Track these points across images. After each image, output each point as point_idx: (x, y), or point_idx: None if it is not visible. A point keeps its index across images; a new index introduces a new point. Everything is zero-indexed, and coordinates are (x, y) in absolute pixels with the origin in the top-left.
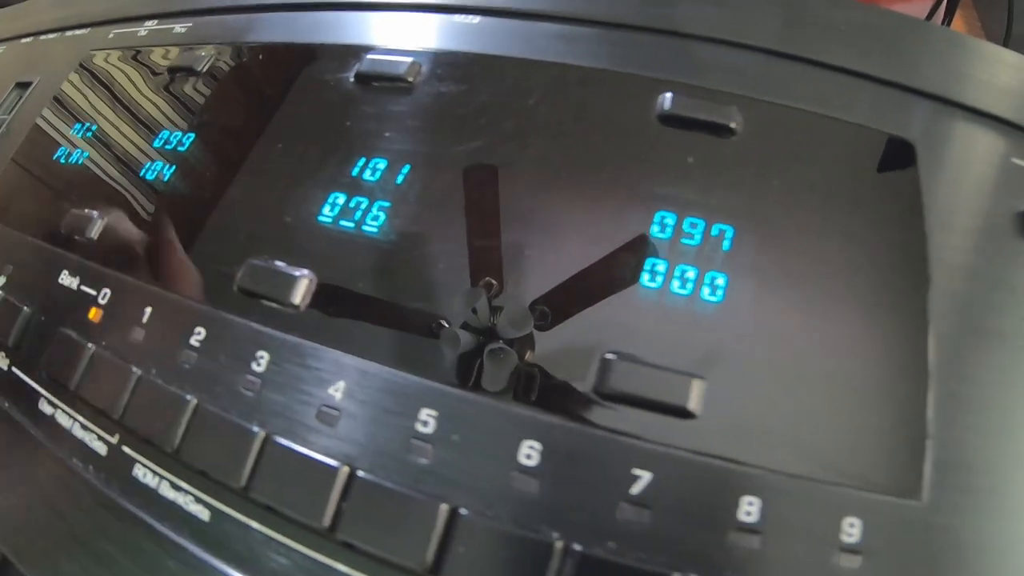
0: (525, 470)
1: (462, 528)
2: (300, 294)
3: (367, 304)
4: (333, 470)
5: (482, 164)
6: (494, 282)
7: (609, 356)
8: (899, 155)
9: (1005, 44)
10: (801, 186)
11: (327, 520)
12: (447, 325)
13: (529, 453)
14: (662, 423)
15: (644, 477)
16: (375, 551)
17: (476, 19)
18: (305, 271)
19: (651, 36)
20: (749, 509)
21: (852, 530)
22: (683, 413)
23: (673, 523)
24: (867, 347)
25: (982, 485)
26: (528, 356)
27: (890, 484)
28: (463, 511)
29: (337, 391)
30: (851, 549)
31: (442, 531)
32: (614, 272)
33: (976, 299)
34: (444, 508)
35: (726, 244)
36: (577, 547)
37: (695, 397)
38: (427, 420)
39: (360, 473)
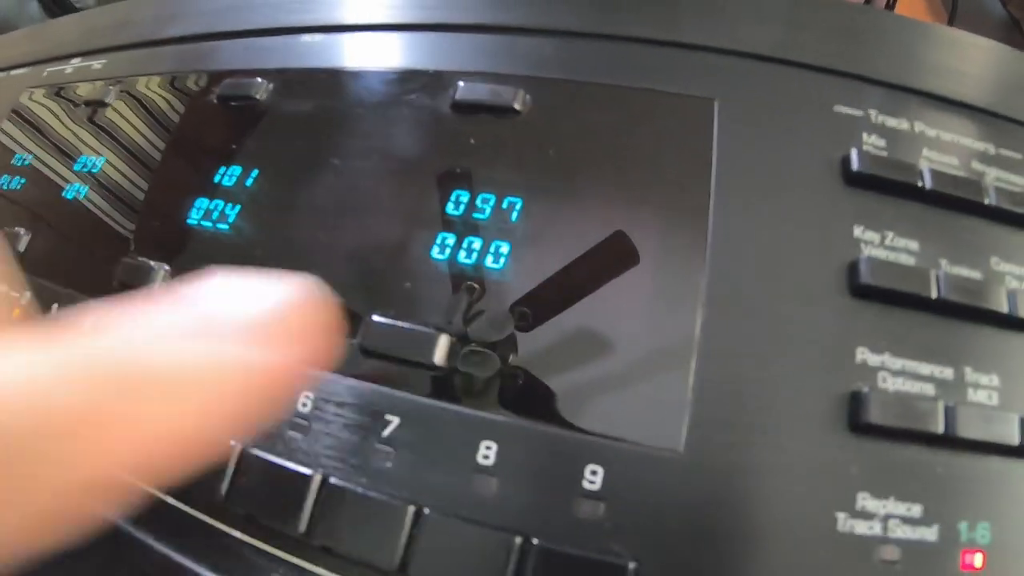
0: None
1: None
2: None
3: None
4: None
5: (315, 163)
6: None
7: (374, 318)
8: (696, 115)
9: (951, 23)
10: (587, 156)
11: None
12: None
13: (305, 402)
14: (413, 374)
15: (393, 421)
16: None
17: (314, 37)
18: (165, 265)
19: (459, 33)
20: (487, 452)
21: (594, 477)
22: (430, 366)
23: (416, 463)
24: (637, 304)
25: (739, 441)
26: None
27: (646, 435)
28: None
29: None
30: (593, 495)
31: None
32: (408, 247)
33: (768, 250)
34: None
35: (514, 216)
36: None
37: (440, 352)
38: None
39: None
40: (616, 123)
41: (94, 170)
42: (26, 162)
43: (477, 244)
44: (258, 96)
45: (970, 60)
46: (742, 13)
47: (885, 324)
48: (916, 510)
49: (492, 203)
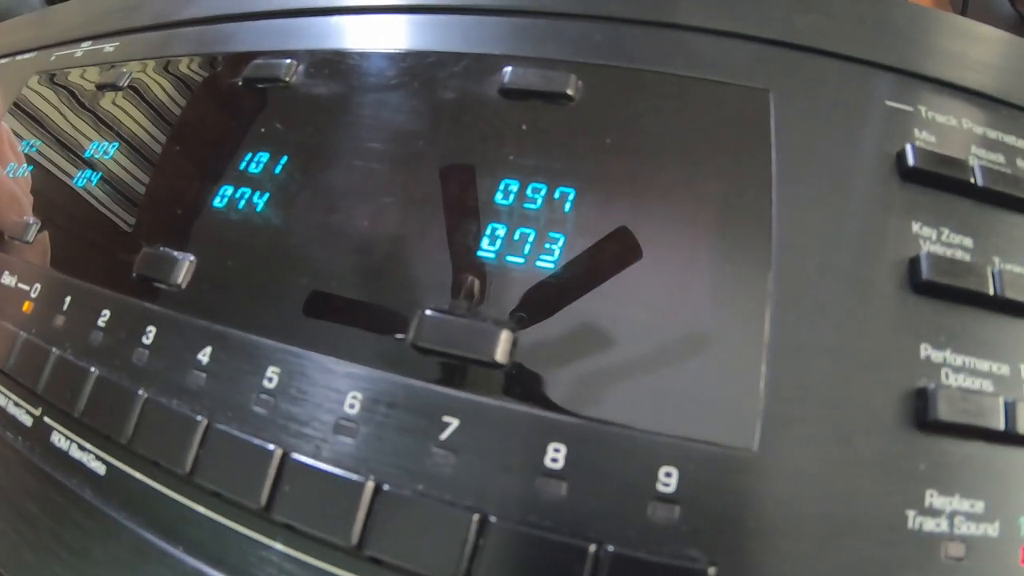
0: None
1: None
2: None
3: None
4: (195, 423)
5: (352, 149)
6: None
7: (427, 312)
8: (751, 106)
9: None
10: (643, 145)
11: (187, 465)
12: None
13: (352, 403)
14: (473, 372)
15: (452, 423)
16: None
17: (347, 18)
18: (190, 255)
19: (501, 17)
20: (555, 455)
21: (669, 480)
22: (491, 364)
23: (478, 468)
24: (702, 298)
25: (811, 439)
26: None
27: (720, 435)
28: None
29: (204, 355)
30: (667, 499)
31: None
32: (456, 238)
33: (832, 245)
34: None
35: (567, 206)
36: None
37: (502, 349)
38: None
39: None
40: (671, 112)
41: (106, 156)
42: (34, 148)
43: (529, 235)
44: (287, 78)
45: (1015, 58)
46: (793, 3)
47: (945, 320)
48: (979, 506)
49: (544, 193)
